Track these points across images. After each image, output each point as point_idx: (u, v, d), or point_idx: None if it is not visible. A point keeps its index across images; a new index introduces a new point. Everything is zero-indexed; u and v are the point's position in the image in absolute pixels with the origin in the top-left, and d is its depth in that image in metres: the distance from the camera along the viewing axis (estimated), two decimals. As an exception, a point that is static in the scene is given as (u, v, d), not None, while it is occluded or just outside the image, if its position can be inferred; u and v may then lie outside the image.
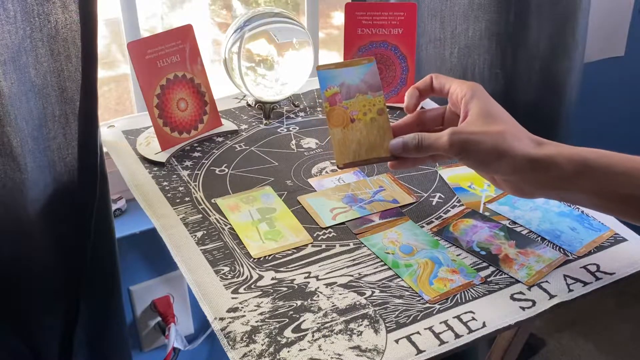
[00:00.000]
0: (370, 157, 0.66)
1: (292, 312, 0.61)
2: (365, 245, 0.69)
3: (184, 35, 0.87)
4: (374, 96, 0.68)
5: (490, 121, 0.60)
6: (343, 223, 0.73)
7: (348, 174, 0.82)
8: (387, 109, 0.68)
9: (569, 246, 0.69)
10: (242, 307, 0.61)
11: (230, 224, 0.73)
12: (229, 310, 0.61)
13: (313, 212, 0.75)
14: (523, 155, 0.58)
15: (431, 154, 0.63)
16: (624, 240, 0.71)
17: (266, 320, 0.60)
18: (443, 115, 0.68)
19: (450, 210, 0.75)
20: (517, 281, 0.64)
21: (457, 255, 0.68)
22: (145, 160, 0.85)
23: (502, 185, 0.63)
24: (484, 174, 0.65)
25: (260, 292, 0.63)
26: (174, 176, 0.82)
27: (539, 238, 0.71)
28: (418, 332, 0.58)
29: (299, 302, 0.62)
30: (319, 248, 0.69)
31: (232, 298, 0.62)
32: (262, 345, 0.57)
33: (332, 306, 0.61)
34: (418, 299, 0.62)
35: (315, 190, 0.79)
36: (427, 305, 0.61)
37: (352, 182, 0.80)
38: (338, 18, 1.32)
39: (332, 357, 0.56)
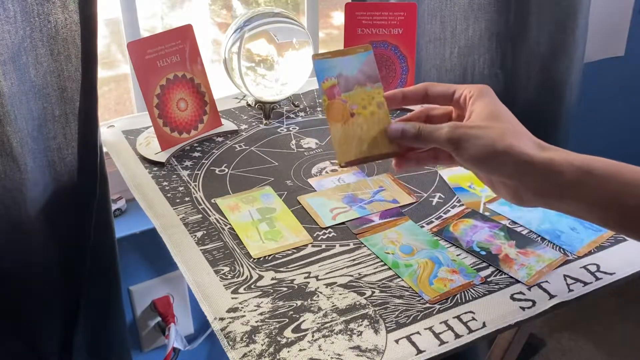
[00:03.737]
0: (373, 154, 0.62)
1: (292, 312, 0.60)
2: (365, 246, 0.69)
3: (184, 35, 0.87)
4: (373, 88, 0.65)
5: (492, 119, 0.57)
6: (343, 223, 0.73)
7: (348, 174, 0.82)
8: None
9: (569, 246, 0.69)
10: (242, 307, 0.61)
11: (230, 224, 0.73)
12: (228, 310, 0.61)
13: (313, 212, 0.75)
14: (522, 155, 0.55)
15: (431, 147, 0.60)
16: (624, 240, 0.71)
17: (266, 320, 0.60)
18: (450, 116, 0.64)
19: (450, 210, 0.75)
20: (517, 281, 0.64)
21: (457, 255, 0.68)
22: (145, 160, 0.85)
23: (500, 189, 0.60)
24: (481, 174, 0.61)
25: (260, 292, 0.63)
26: (174, 176, 0.82)
27: (539, 238, 0.71)
28: (418, 332, 0.58)
29: (299, 302, 0.62)
30: (319, 248, 0.69)
31: (232, 298, 0.62)
32: (262, 345, 0.57)
33: (332, 306, 0.61)
34: (418, 299, 0.62)
35: (315, 190, 0.79)
36: (427, 305, 0.61)
37: (352, 182, 0.80)
38: (338, 18, 1.32)
39: (332, 357, 0.56)
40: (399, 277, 0.65)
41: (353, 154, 0.61)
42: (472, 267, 0.66)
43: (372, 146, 0.62)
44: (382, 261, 0.67)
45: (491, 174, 0.58)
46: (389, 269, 0.66)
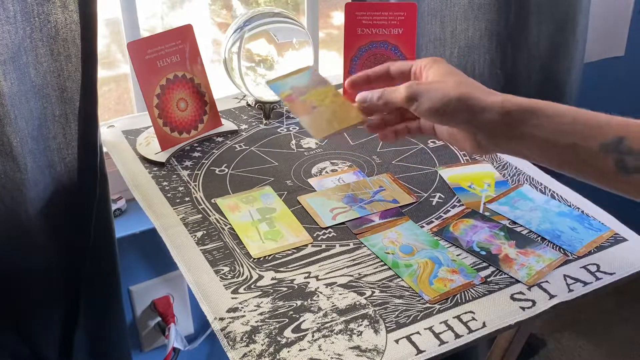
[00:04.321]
0: (342, 127, 0.68)
1: (292, 312, 0.60)
2: (365, 245, 0.69)
3: (184, 35, 0.87)
4: (325, 87, 0.72)
5: (446, 76, 0.62)
6: (343, 223, 0.73)
7: (348, 173, 0.82)
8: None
9: (569, 246, 0.69)
10: (242, 307, 0.61)
11: (230, 224, 0.73)
12: (228, 310, 0.61)
13: (313, 212, 0.75)
14: (474, 99, 0.59)
15: (393, 108, 0.67)
16: (624, 240, 0.71)
17: (266, 320, 0.60)
18: (409, 73, 0.68)
19: (450, 210, 0.75)
20: (517, 281, 0.64)
21: (457, 255, 0.68)
22: (145, 160, 0.85)
23: (460, 141, 0.64)
24: (441, 124, 0.65)
25: (260, 292, 0.63)
26: (174, 176, 0.82)
27: (539, 238, 0.71)
28: (418, 332, 0.58)
29: (299, 302, 0.62)
30: (318, 248, 0.69)
31: (232, 298, 0.62)
32: (262, 345, 0.57)
33: (332, 306, 0.61)
34: (418, 299, 0.62)
35: (315, 190, 0.79)
36: (427, 305, 0.61)
37: (352, 182, 0.80)
38: (338, 18, 1.32)
39: (332, 357, 0.56)
40: (399, 277, 0.65)
41: (326, 130, 0.68)
42: (472, 267, 0.66)
43: (341, 121, 0.68)
44: (382, 261, 0.67)
45: (449, 123, 0.62)
46: (389, 269, 0.66)
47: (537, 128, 0.58)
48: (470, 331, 0.59)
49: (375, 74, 0.68)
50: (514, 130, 0.59)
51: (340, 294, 0.63)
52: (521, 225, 0.73)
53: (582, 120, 0.58)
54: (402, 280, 0.64)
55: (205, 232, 0.71)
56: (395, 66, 0.68)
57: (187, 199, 0.77)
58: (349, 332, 0.58)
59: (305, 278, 0.65)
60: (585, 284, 0.64)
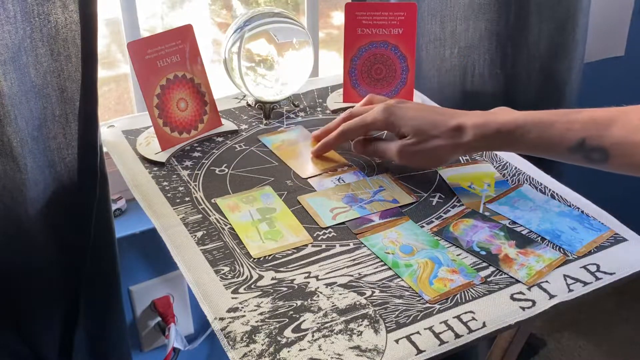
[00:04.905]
0: (325, 168, 0.83)
1: (292, 312, 0.61)
2: (365, 245, 0.69)
3: (184, 35, 0.87)
4: (307, 142, 0.88)
5: (420, 134, 0.74)
6: (343, 223, 0.73)
7: (348, 173, 0.82)
8: None
9: (569, 246, 0.69)
10: (242, 307, 0.61)
11: (230, 224, 0.73)
12: (229, 310, 0.61)
13: (313, 212, 0.75)
14: (446, 148, 0.74)
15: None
16: (624, 240, 0.71)
17: (266, 320, 0.60)
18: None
19: (450, 210, 0.75)
20: (517, 281, 0.64)
21: (457, 255, 0.68)
22: (145, 160, 0.85)
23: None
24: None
25: (260, 292, 0.63)
26: (174, 176, 0.82)
27: (539, 238, 0.71)
28: (418, 332, 0.58)
29: (299, 302, 0.62)
30: (319, 248, 0.69)
31: (232, 298, 0.62)
32: (262, 345, 0.57)
33: (332, 306, 0.61)
34: (418, 299, 0.62)
35: (315, 190, 0.79)
36: (427, 305, 0.61)
37: (352, 182, 0.80)
38: (338, 18, 1.32)
39: (332, 357, 0.56)
40: (399, 277, 0.65)
41: (311, 171, 0.82)
42: (472, 267, 0.66)
43: (324, 164, 0.84)
44: (382, 261, 0.67)
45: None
46: (389, 269, 0.66)
47: (506, 148, 0.75)
48: (470, 331, 0.59)
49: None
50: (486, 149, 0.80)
51: (340, 294, 0.63)
52: (521, 225, 0.73)
53: (547, 134, 0.68)
54: (402, 280, 0.64)
55: (205, 232, 0.71)
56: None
57: (187, 199, 0.77)
58: (349, 332, 0.58)
59: (305, 278, 0.65)
60: (585, 284, 0.64)
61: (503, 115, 0.72)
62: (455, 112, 0.75)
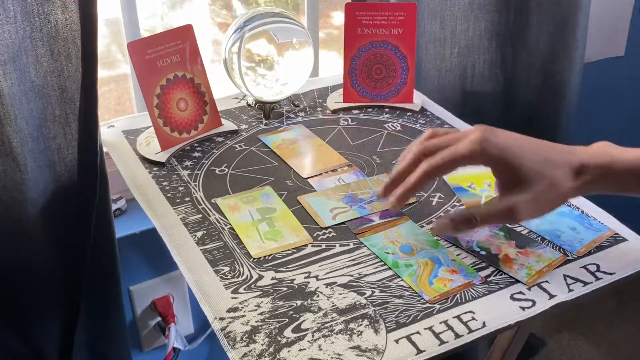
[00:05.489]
0: (326, 167, 0.80)
1: (292, 312, 0.61)
2: (365, 245, 0.69)
3: (184, 35, 0.87)
4: (312, 140, 0.86)
5: (541, 178, 0.61)
6: (343, 223, 0.73)
7: (348, 173, 0.82)
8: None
9: (569, 246, 0.69)
10: (242, 307, 0.61)
11: (230, 224, 0.73)
12: (229, 310, 0.61)
13: (313, 212, 0.75)
14: (568, 193, 0.62)
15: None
16: (624, 240, 0.71)
17: (266, 320, 0.60)
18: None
19: (450, 210, 0.75)
20: (517, 281, 0.64)
21: (457, 255, 0.68)
22: (145, 160, 0.85)
23: None
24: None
25: (260, 292, 0.63)
26: (174, 176, 0.82)
27: (539, 238, 0.71)
28: (418, 332, 0.58)
29: (299, 302, 0.62)
30: (319, 248, 0.69)
31: (232, 298, 0.62)
32: (262, 345, 0.57)
33: (332, 306, 0.61)
34: (418, 298, 0.62)
35: (315, 190, 0.79)
36: (427, 305, 0.61)
37: (352, 182, 0.80)
38: (338, 18, 1.32)
39: (332, 357, 0.56)
40: (399, 277, 0.65)
41: (312, 170, 0.81)
42: (472, 267, 0.66)
43: (325, 163, 0.82)
44: (382, 261, 0.67)
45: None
46: (389, 268, 0.66)
47: (635, 191, 0.63)
48: (470, 331, 0.59)
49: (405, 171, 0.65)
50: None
51: (340, 294, 0.63)
52: (521, 225, 0.73)
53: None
54: (402, 280, 0.64)
55: (205, 232, 0.71)
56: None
57: (187, 199, 0.77)
58: (349, 332, 0.58)
59: (305, 278, 0.65)
60: (585, 284, 0.64)
61: (623, 152, 0.63)
62: (566, 147, 0.64)
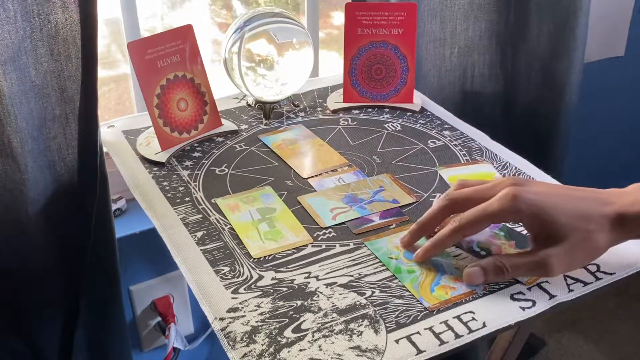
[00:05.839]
0: (327, 167, 0.80)
1: (292, 312, 0.61)
2: (367, 248, 0.69)
3: (184, 35, 0.87)
4: (312, 139, 0.87)
5: (575, 232, 0.60)
6: (343, 223, 0.73)
7: (348, 173, 0.82)
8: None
9: (569, 246, 0.69)
10: (242, 307, 0.61)
11: (230, 224, 0.73)
12: (229, 310, 0.61)
13: (313, 212, 0.74)
14: (606, 245, 0.61)
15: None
16: (624, 240, 0.71)
17: (266, 320, 0.60)
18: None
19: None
20: (517, 281, 0.64)
21: (459, 260, 0.68)
22: (145, 160, 0.85)
23: None
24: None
25: (260, 292, 0.63)
26: (174, 176, 0.82)
27: (539, 238, 0.71)
28: (418, 332, 0.58)
29: (299, 302, 0.62)
30: (319, 248, 0.69)
31: (232, 298, 0.62)
32: (262, 345, 0.57)
33: (332, 306, 0.61)
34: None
35: (315, 190, 0.79)
36: (427, 305, 0.61)
37: (352, 182, 0.80)
38: (338, 18, 1.32)
39: (332, 357, 0.56)
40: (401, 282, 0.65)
41: (312, 170, 0.81)
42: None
43: (325, 164, 0.83)
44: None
45: None
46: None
47: None
48: (470, 331, 0.59)
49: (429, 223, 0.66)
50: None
51: (340, 294, 0.63)
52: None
53: None
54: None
55: (205, 232, 0.71)
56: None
57: (187, 199, 0.77)
58: (349, 332, 0.58)
59: (305, 278, 0.65)
60: (585, 284, 0.64)
61: None
62: (600, 193, 0.63)
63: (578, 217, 0.59)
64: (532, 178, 0.81)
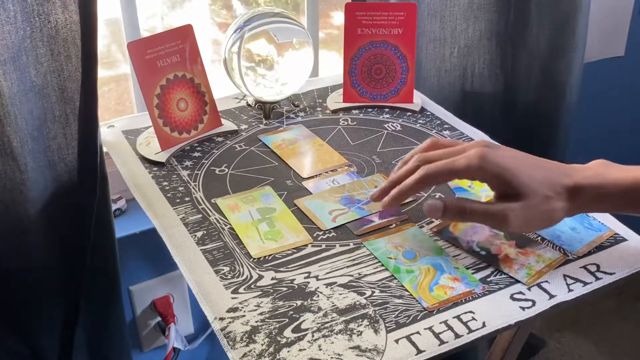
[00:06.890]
0: (326, 167, 0.80)
1: (292, 312, 0.61)
2: (367, 248, 0.69)
3: (184, 35, 0.87)
4: (312, 139, 0.87)
5: (534, 194, 0.63)
6: (344, 225, 0.73)
7: (342, 175, 0.82)
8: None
9: (569, 246, 0.69)
10: (242, 307, 0.61)
11: (230, 224, 0.73)
12: (229, 310, 0.61)
13: (312, 215, 0.74)
14: (560, 212, 0.64)
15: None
16: (624, 240, 0.71)
17: (266, 320, 0.60)
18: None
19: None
20: (517, 281, 0.64)
21: (460, 261, 0.68)
22: (145, 160, 0.85)
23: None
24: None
25: (260, 292, 0.63)
26: (174, 176, 0.82)
27: (539, 238, 0.71)
28: (418, 332, 0.58)
29: (298, 302, 0.62)
30: (318, 248, 0.69)
31: (232, 298, 0.62)
32: (262, 345, 0.57)
33: (332, 306, 0.61)
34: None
35: (312, 193, 0.79)
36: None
37: (347, 183, 0.80)
38: (338, 18, 1.32)
39: (332, 357, 0.56)
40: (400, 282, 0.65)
41: (311, 170, 0.81)
42: (472, 269, 0.66)
43: (325, 163, 0.83)
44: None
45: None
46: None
47: (628, 210, 0.65)
48: (470, 331, 0.59)
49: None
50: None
51: (340, 294, 0.63)
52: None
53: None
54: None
55: (205, 232, 0.71)
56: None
57: (187, 199, 0.77)
58: (349, 332, 0.58)
59: (305, 278, 0.65)
60: (585, 284, 0.64)
61: (618, 172, 0.64)
62: (562, 166, 0.66)
63: (539, 182, 0.63)
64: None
